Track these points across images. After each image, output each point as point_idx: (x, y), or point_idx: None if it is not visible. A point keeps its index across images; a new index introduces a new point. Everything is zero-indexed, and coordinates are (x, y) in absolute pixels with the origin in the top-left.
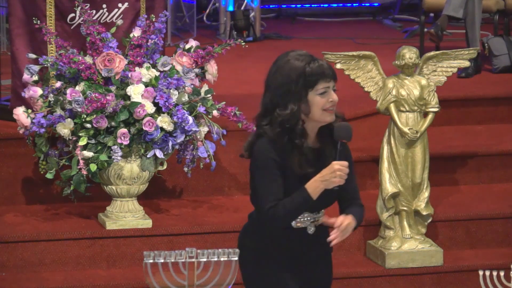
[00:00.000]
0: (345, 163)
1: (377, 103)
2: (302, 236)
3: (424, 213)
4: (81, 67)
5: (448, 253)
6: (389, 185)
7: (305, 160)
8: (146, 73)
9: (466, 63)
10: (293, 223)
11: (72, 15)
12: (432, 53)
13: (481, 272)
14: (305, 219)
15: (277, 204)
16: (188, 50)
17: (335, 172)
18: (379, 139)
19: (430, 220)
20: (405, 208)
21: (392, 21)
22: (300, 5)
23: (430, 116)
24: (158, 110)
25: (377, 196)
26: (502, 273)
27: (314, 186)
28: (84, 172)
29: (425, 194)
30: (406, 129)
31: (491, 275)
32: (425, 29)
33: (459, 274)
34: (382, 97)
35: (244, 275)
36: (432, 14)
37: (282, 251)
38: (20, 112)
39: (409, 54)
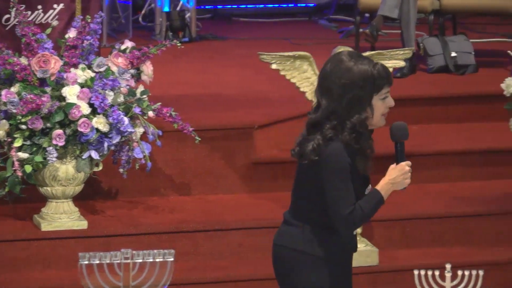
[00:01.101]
0: (410, 163)
1: (313, 103)
2: (352, 238)
3: None
4: (16, 68)
5: (384, 253)
6: None
7: (368, 163)
8: (81, 74)
9: (401, 63)
10: None
11: (7, 16)
12: (367, 53)
13: (416, 272)
14: None
15: (354, 209)
16: (124, 51)
17: (407, 173)
18: None
19: None
20: None
21: (328, 22)
22: (236, 6)
23: None
24: (94, 111)
25: None
26: (437, 273)
27: (386, 188)
28: (19, 173)
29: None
30: None
31: (426, 275)
32: (361, 30)
33: (395, 273)
34: None
35: (314, 284)
36: (367, 15)
37: (344, 256)
38: None
39: None
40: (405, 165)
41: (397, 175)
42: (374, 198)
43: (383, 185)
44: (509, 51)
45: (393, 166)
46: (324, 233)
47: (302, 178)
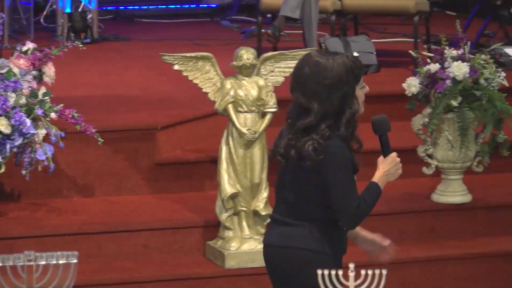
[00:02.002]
0: (396, 153)
1: (215, 104)
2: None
3: (263, 213)
4: None
5: None
6: (228, 186)
7: (357, 157)
8: None
9: None
10: None
11: None
12: (269, 53)
13: (319, 272)
14: None
15: (360, 202)
16: (25, 52)
17: (399, 164)
18: (218, 140)
19: (269, 220)
20: (244, 209)
21: (230, 22)
22: (137, 7)
23: (268, 117)
24: None
25: (216, 197)
26: (340, 272)
27: (382, 180)
28: None
29: (264, 194)
30: (244, 130)
31: (329, 274)
32: (263, 30)
33: None
34: (220, 98)
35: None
36: (269, 15)
37: (342, 250)
38: None
39: (246, 55)
40: (395, 156)
41: (390, 166)
42: (374, 190)
43: (379, 178)
44: (410, 51)
45: (381, 158)
46: (329, 230)
47: (299, 179)
